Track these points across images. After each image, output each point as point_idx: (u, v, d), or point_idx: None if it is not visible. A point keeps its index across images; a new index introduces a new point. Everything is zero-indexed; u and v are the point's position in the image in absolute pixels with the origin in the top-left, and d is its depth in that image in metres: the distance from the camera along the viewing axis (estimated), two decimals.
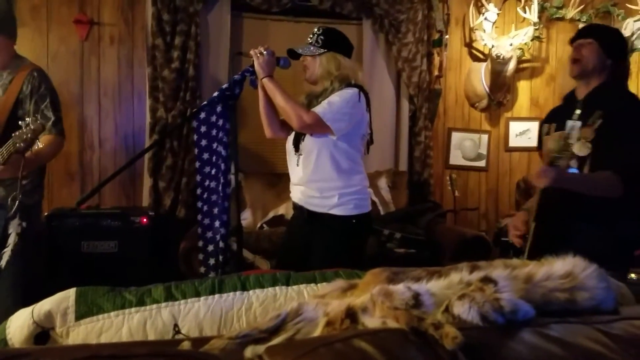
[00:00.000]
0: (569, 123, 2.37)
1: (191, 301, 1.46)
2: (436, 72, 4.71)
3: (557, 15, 4.91)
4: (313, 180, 2.56)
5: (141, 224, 3.43)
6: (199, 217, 2.81)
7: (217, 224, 2.79)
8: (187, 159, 4.12)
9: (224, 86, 2.72)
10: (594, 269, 1.19)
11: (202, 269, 2.80)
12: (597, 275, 1.17)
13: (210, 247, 2.80)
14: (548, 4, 4.88)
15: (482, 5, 4.70)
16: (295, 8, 4.37)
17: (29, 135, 2.44)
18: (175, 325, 1.41)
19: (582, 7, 4.85)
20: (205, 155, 2.77)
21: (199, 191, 2.81)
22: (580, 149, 2.28)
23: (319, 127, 2.47)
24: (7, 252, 2.63)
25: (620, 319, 1.08)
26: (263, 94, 2.65)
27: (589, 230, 2.25)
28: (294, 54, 2.65)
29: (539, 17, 4.73)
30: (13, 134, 2.48)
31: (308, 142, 2.55)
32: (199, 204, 2.82)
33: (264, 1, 4.23)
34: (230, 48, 4.22)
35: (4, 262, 2.62)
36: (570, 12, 4.86)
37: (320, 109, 2.47)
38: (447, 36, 4.69)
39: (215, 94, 2.74)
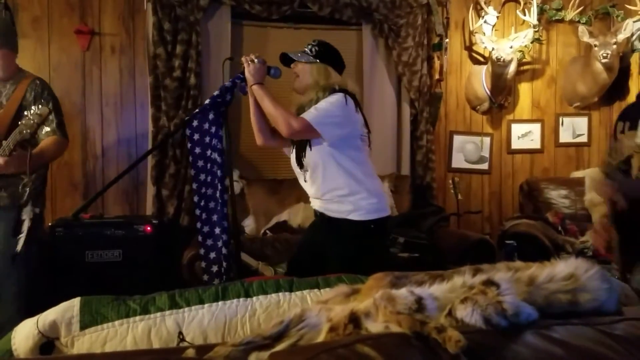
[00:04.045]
0: None
1: (195, 309, 1.47)
2: (437, 76, 4.71)
3: (556, 17, 4.91)
4: (326, 191, 2.56)
5: (145, 233, 3.43)
6: (198, 225, 2.82)
7: (217, 230, 2.79)
8: (189, 167, 4.12)
9: (215, 93, 2.75)
10: (596, 270, 1.19)
11: (205, 277, 2.80)
12: (599, 277, 1.17)
13: (212, 255, 2.80)
14: (547, 6, 4.88)
15: (482, 8, 4.71)
16: (295, 15, 4.38)
17: (35, 120, 2.53)
18: (180, 333, 1.42)
19: (581, 8, 4.85)
20: (200, 163, 2.79)
21: (196, 199, 2.82)
22: None
23: (308, 133, 2.47)
24: (23, 237, 2.76)
25: (623, 320, 1.08)
26: (253, 101, 2.65)
27: None
28: (286, 60, 2.68)
29: (539, 20, 4.73)
30: (19, 122, 2.54)
31: (310, 157, 2.55)
32: (197, 212, 2.82)
33: (264, 9, 4.24)
34: (231, 56, 4.23)
35: (20, 247, 2.75)
36: (570, 14, 4.87)
37: (307, 115, 2.47)
38: (447, 40, 4.69)
39: (207, 101, 2.77)
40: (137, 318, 1.42)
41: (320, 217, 2.65)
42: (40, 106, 2.64)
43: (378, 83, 4.60)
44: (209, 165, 2.79)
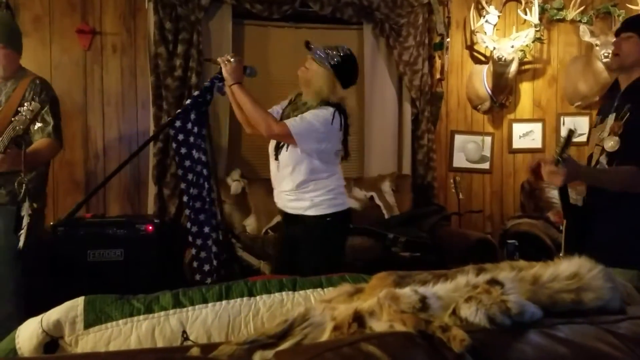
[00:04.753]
0: (610, 116, 2.34)
1: (199, 308, 1.47)
2: (438, 75, 4.72)
3: (557, 17, 4.91)
4: (290, 188, 2.70)
5: (147, 232, 3.44)
6: (188, 224, 2.88)
7: (206, 229, 2.86)
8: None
9: (195, 93, 2.83)
10: (600, 269, 1.20)
11: (198, 276, 2.86)
12: (603, 276, 1.18)
13: (203, 254, 2.87)
14: (548, 6, 4.88)
15: (483, 7, 4.71)
16: (296, 14, 4.38)
17: (27, 116, 2.55)
18: (184, 332, 1.42)
19: (582, 8, 4.85)
20: (187, 163, 2.84)
21: (185, 199, 2.89)
22: (609, 143, 2.26)
23: (285, 138, 2.60)
24: (23, 233, 2.75)
25: (627, 319, 1.09)
26: (233, 98, 2.73)
27: (615, 225, 2.23)
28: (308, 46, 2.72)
29: (540, 19, 4.73)
30: (13, 119, 2.56)
31: (285, 156, 2.67)
32: (187, 212, 2.89)
33: (265, 8, 4.24)
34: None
35: (22, 244, 2.73)
36: (571, 14, 4.87)
37: (291, 122, 2.58)
38: (448, 39, 4.70)
39: (188, 101, 2.82)
40: (141, 317, 1.43)
41: (283, 214, 2.80)
42: (32, 102, 2.65)
43: (379, 82, 4.60)
44: (194, 165, 2.83)
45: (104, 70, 4.19)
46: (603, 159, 2.29)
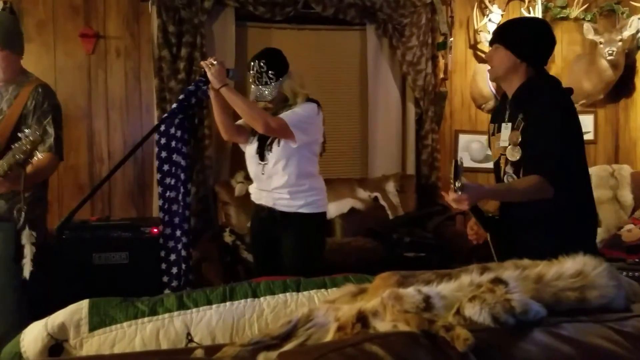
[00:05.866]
0: (503, 125, 2.35)
1: (203, 309, 1.48)
2: (441, 75, 4.71)
3: (561, 15, 4.89)
4: (283, 186, 2.72)
5: (152, 235, 3.44)
6: (161, 227, 2.92)
7: (178, 233, 2.92)
8: (195, 169, 4.14)
9: (181, 97, 2.84)
10: (604, 267, 1.19)
11: (166, 278, 2.93)
12: (607, 274, 1.17)
13: (173, 256, 2.93)
14: (552, 4, 4.86)
15: (486, 6, 4.70)
16: (299, 16, 4.38)
17: (27, 147, 2.49)
18: (188, 333, 1.42)
19: (586, 6, 4.83)
20: (166, 167, 2.87)
21: (160, 202, 2.94)
22: (511, 154, 2.29)
23: (283, 133, 2.64)
24: (28, 262, 2.70)
25: (632, 317, 1.08)
26: (216, 101, 2.74)
27: (531, 236, 2.24)
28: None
29: (543, 17, 4.72)
30: (12, 146, 2.52)
31: (277, 151, 2.70)
32: (161, 215, 2.95)
33: (268, 10, 4.25)
34: (236, 58, 4.24)
35: (27, 273, 2.69)
36: (575, 12, 4.85)
37: (287, 116, 2.64)
38: (451, 39, 4.68)
39: (174, 105, 2.83)
40: (146, 319, 1.43)
41: (267, 212, 2.80)
42: (33, 132, 2.52)
43: (382, 83, 4.59)
44: (173, 168, 2.88)
45: (108, 74, 4.20)
46: (509, 169, 2.32)
